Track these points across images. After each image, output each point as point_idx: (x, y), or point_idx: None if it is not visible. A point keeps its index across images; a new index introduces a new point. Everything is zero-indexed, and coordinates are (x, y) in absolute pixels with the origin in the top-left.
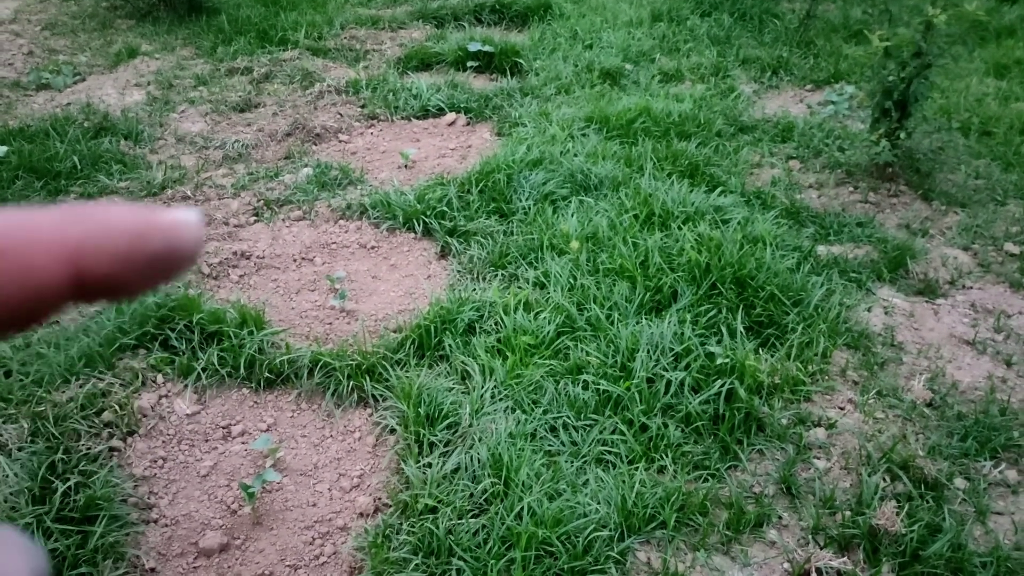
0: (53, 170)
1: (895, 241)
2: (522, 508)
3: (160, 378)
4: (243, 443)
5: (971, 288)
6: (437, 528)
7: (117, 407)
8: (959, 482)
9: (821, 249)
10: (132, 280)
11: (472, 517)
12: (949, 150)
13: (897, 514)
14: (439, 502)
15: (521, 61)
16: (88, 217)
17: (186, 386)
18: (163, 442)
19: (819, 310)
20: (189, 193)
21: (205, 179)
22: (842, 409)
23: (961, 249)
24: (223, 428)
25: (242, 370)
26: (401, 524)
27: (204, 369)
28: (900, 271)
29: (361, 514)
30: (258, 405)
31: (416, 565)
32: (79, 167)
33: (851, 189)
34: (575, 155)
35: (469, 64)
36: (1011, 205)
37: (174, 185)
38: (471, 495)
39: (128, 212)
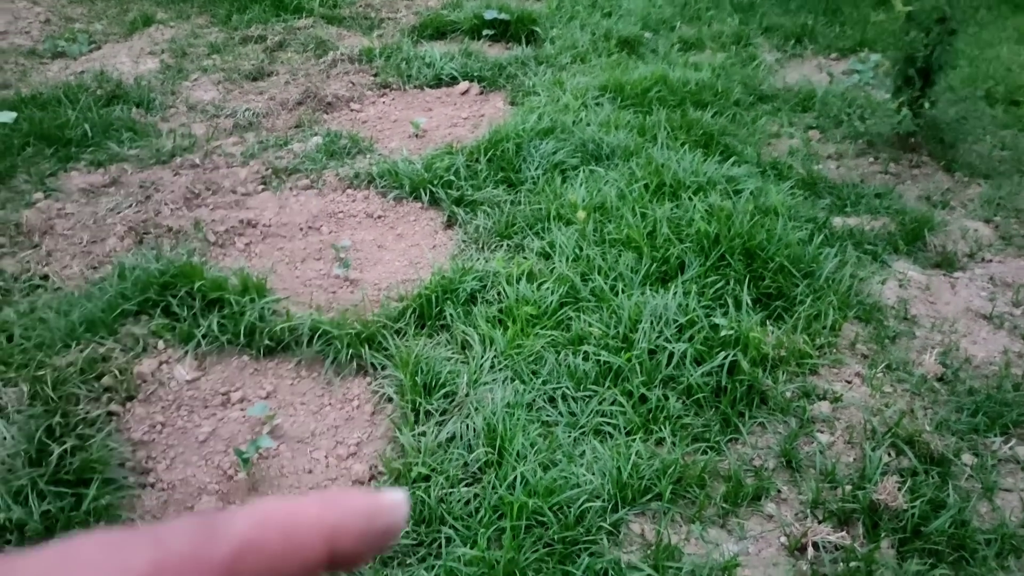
0: (64, 137)
1: (914, 213)
2: (515, 478)
3: (161, 344)
4: (242, 410)
5: (990, 261)
6: (429, 496)
7: (117, 372)
8: (967, 458)
9: (837, 221)
10: (364, 552)
11: (465, 486)
12: (974, 120)
13: (899, 489)
14: (432, 470)
15: (537, 29)
16: (338, 503)
17: (186, 352)
18: (162, 407)
19: (830, 282)
20: (198, 161)
21: (215, 147)
22: (849, 383)
23: (982, 221)
24: (222, 395)
25: (242, 337)
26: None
27: (204, 336)
28: (917, 244)
29: (356, 482)
30: (258, 372)
31: (406, 533)
32: (90, 135)
33: (871, 160)
34: (588, 124)
35: (484, 32)
36: None
37: (183, 153)
38: (465, 464)
39: (362, 498)
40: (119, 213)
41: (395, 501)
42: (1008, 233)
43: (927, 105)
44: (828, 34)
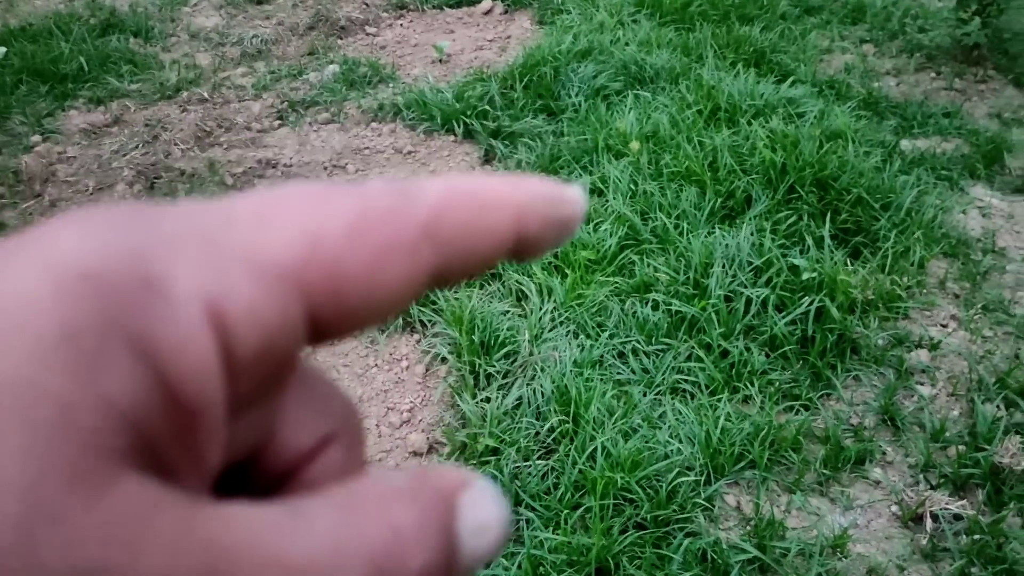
0: (59, 73)
1: (987, 133)
2: (594, 449)
3: None
4: None
5: None
6: (501, 473)
7: None
8: None
9: (905, 144)
10: (547, 240)
11: (539, 459)
12: None
13: (1022, 450)
14: (501, 442)
15: None
16: (525, 185)
17: None
18: None
19: (912, 214)
20: (206, 95)
21: (223, 79)
22: (945, 327)
23: None
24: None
25: None
26: (460, 467)
27: None
28: (995, 167)
29: (414, 452)
30: None
31: None
32: (86, 69)
33: (933, 75)
34: (626, 44)
35: None
36: None
37: (189, 87)
38: (536, 434)
39: (545, 183)
40: (125, 156)
41: (577, 192)
42: None
43: (995, 12)
44: None
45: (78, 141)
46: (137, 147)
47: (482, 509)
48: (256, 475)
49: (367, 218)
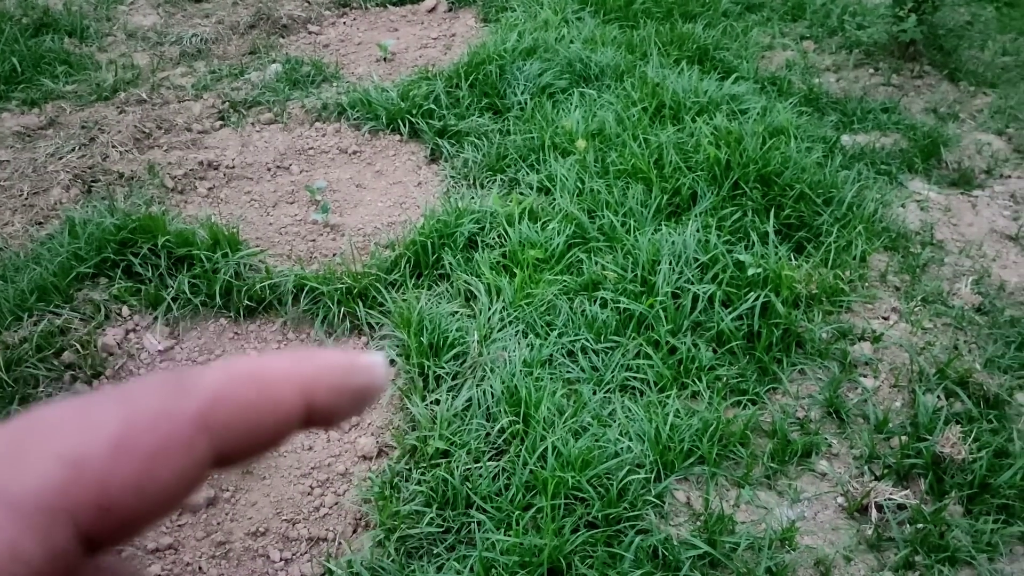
0: None
1: (924, 127)
2: (545, 449)
3: (125, 310)
4: None
5: (1009, 177)
6: (452, 475)
7: (79, 346)
8: (1021, 396)
9: (846, 139)
10: (341, 410)
11: (490, 460)
12: (978, 25)
13: (963, 439)
14: (452, 444)
15: None
16: (311, 357)
17: (156, 318)
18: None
19: (853, 208)
20: (145, 96)
21: (162, 79)
22: (886, 319)
23: (995, 134)
24: (200, 364)
25: (218, 298)
26: (410, 471)
27: (175, 298)
28: (932, 161)
29: (363, 457)
30: (239, 336)
31: (431, 519)
32: (19, 70)
33: (871, 71)
34: (571, 42)
35: None
36: None
37: (127, 87)
38: (487, 435)
39: (336, 354)
40: (61, 159)
41: (374, 360)
42: (1023, 146)
43: (930, 9)
44: None
45: (11, 144)
46: (73, 150)
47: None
48: None
49: (133, 425)
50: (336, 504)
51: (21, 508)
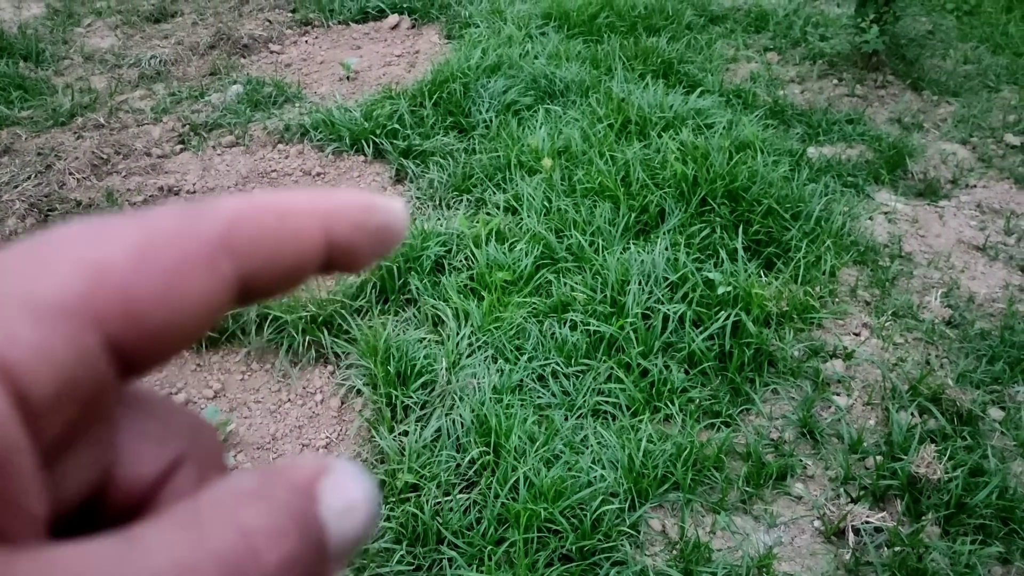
0: None
1: (889, 138)
2: (517, 480)
3: None
4: None
5: (974, 187)
6: (422, 510)
7: None
8: (994, 412)
9: (812, 151)
10: (363, 248)
11: (460, 493)
12: (940, 34)
13: (938, 459)
14: (421, 477)
15: None
16: (331, 194)
17: None
18: None
19: (821, 223)
20: (103, 120)
21: (120, 103)
22: (858, 335)
23: (959, 143)
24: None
25: None
26: (379, 506)
27: None
28: (898, 171)
29: None
30: (202, 368)
31: (400, 557)
32: None
33: (835, 81)
34: (535, 57)
35: None
36: (1005, 91)
37: (84, 112)
38: (457, 466)
39: (356, 192)
40: (16, 187)
41: (393, 201)
42: (987, 155)
43: (891, 20)
44: None
45: None
46: (29, 178)
47: (345, 490)
48: (107, 512)
49: (153, 240)
50: None
51: (47, 311)
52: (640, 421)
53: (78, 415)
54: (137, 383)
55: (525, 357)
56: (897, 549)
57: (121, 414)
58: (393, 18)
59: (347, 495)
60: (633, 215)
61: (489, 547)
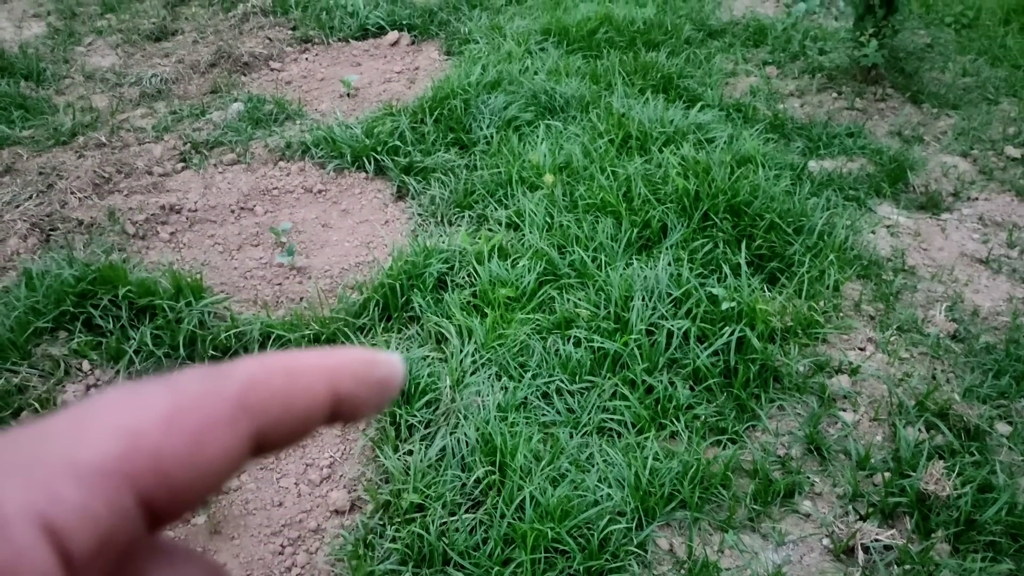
0: None
1: (890, 151)
2: (523, 499)
3: (86, 365)
4: None
5: (976, 199)
6: (427, 531)
7: (37, 405)
8: (1001, 427)
9: (813, 165)
10: (364, 399)
11: (466, 512)
12: (938, 47)
13: (947, 475)
14: (426, 497)
15: None
16: (335, 351)
17: (117, 372)
18: None
19: (824, 237)
20: (104, 139)
21: (121, 121)
22: (863, 350)
23: (960, 156)
24: None
25: (182, 349)
26: (384, 526)
27: (137, 351)
28: (900, 185)
29: (336, 511)
30: None
31: None
32: None
33: (835, 95)
34: (535, 73)
35: None
36: (1004, 104)
37: (86, 131)
38: (462, 486)
39: (359, 349)
40: (18, 207)
41: (391, 357)
42: (988, 167)
43: (890, 33)
44: None
45: None
46: (31, 197)
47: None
48: None
49: (180, 405)
50: (308, 563)
51: (88, 474)
52: (646, 438)
53: (113, 565)
54: (165, 535)
55: (529, 374)
56: (907, 567)
57: (149, 561)
58: (393, 35)
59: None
60: (635, 230)
61: (496, 568)
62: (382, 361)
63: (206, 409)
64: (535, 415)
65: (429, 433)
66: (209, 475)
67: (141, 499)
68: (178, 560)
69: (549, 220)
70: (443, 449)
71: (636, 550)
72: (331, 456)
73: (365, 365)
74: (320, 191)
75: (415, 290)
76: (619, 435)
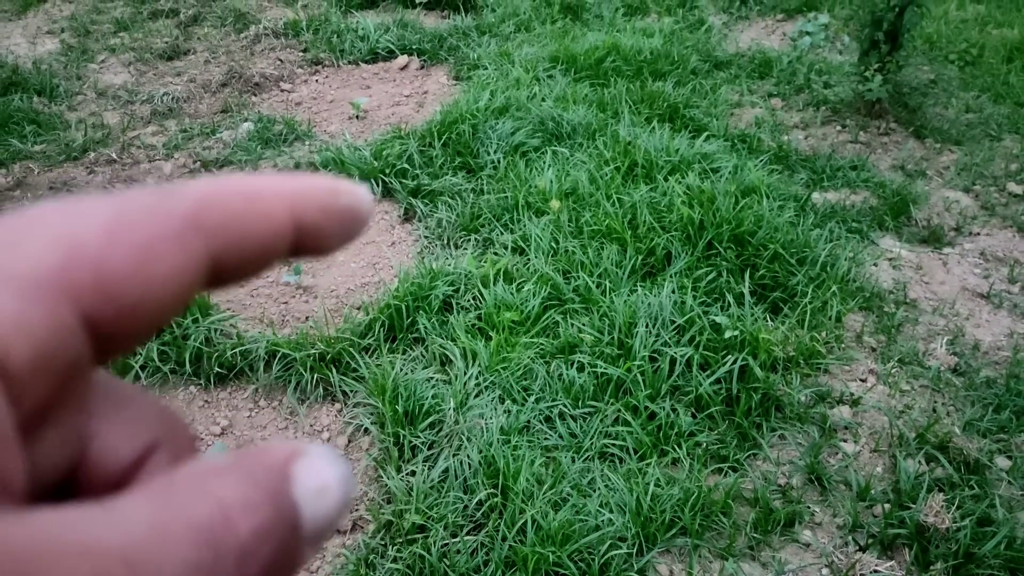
0: None
1: (893, 185)
2: (524, 522)
3: None
4: None
5: (978, 234)
6: (429, 551)
7: None
8: (1001, 461)
9: (816, 197)
10: (329, 231)
11: (468, 534)
12: (942, 83)
13: (946, 508)
14: (428, 518)
15: None
16: (296, 177)
17: None
18: None
19: (827, 268)
20: (115, 156)
21: (132, 138)
22: (864, 381)
23: (962, 191)
24: None
25: (188, 365)
26: (386, 547)
27: (143, 366)
28: (902, 218)
29: (337, 531)
30: (209, 404)
31: None
32: None
33: (839, 128)
34: (543, 100)
35: (417, 0)
36: (1007, 140)
37: (97, 147)
38: (464, 507)
39: (321, 176)
40: None
41: (357, 187)
42: (990, 203)
43: (894, 68)
44: None
45: None
46: None
47: (319, 472)
48: (81, 495)
49: (125, 217)
50: None
51: (23, 284)
52: (647, 465)
53: (54, 389)
54: (112, 374)
55: (532, 398)
56: None
57: (96, 400)
58: (402, 59)
59: (321, 477)
60: (640, 257)
61: None
62: (347, 190)
63: (154, 223)
64: (538, 439)
65: (432, 454)
66: (157, 296)
67: (83, 316)
68: (132, 400)
69: (554, 245)
70: (446, 471)
71: (636, 575)
72: None
73: (329, 193)
74: None
75: (420, 312)
76: (621, 461)
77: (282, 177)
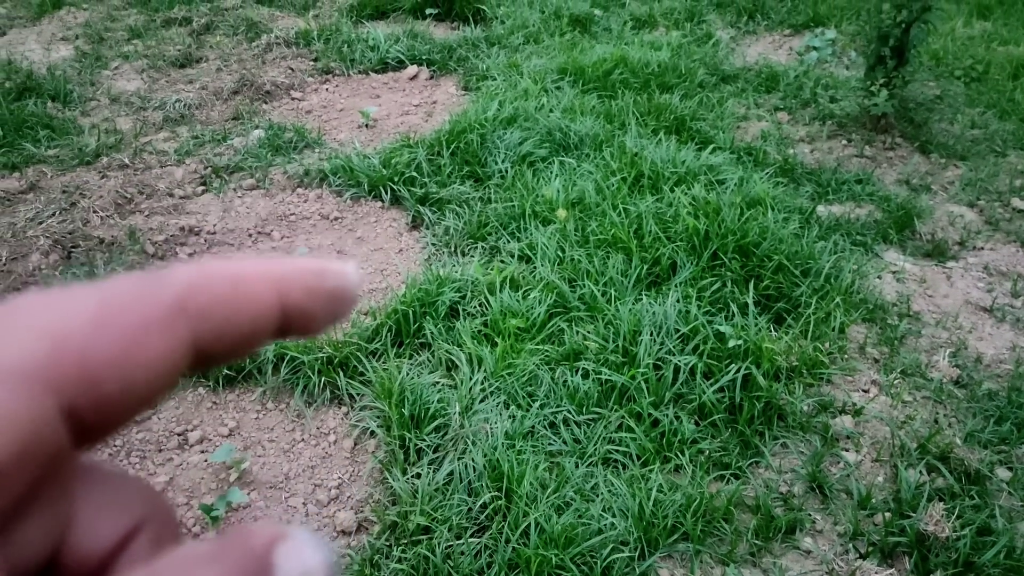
0: None
1: (898, 199)
2: (528, 525)
3: None
4: (203, 452)
5: (982, 249)
6: (433, 553)
7: None
8: (1001, 472)
9: (821, 210)
10: (317, 312)
11: (472, 536)
12: (948, 99)
13: (946, 518)
14: (433, 520)
15: (484, 8)
16: (283, 261)
17: None
18: (109, 455)
19: (831, 280)
20: (127, 161)
21: (144, 144)
22: (866, 392)
23: (967, 206)
24: (178, 435)
25: None
26: (391, 547)
27: None
28: (906, 232)
29: (343, 532)
30: (217, 406)
31: None
32: (1, 134)
33: (844, 142)
34: (551, 111)
35: (428, 11)
36: (1012, 156)
37: (109, 152)
38: (469, 510)
39: (309, 259)
40: (41, 224)
41: (343, 267)
42: (994, 218)
43: (900, 84)
44: (780, 9)
45: None
46: (54, 215)
47: (302, 557)
48: None
49: (111, 306)
50: None
51: (7, 376)
52: (650, 471)
53: (35, 480)
54: (92, 456)
55: (537, 404)
56: None
57: (77, 485)
58: (412, 69)
59: (304, 562)
60: (645, 267)
61: None
62: (333, 272)
63: (140, 311)
64: (542, 444)
65: (437, 457)
66: (141, 383)
67: (67, 407)
68: (112, 483)
69: (560, 254)
70: (451, 473)
71: None
72: (339, 477)
73: (315, 275)
74: (336, 218)
75: (427, 317)
76: (624, 466)
77: (268, 260)
